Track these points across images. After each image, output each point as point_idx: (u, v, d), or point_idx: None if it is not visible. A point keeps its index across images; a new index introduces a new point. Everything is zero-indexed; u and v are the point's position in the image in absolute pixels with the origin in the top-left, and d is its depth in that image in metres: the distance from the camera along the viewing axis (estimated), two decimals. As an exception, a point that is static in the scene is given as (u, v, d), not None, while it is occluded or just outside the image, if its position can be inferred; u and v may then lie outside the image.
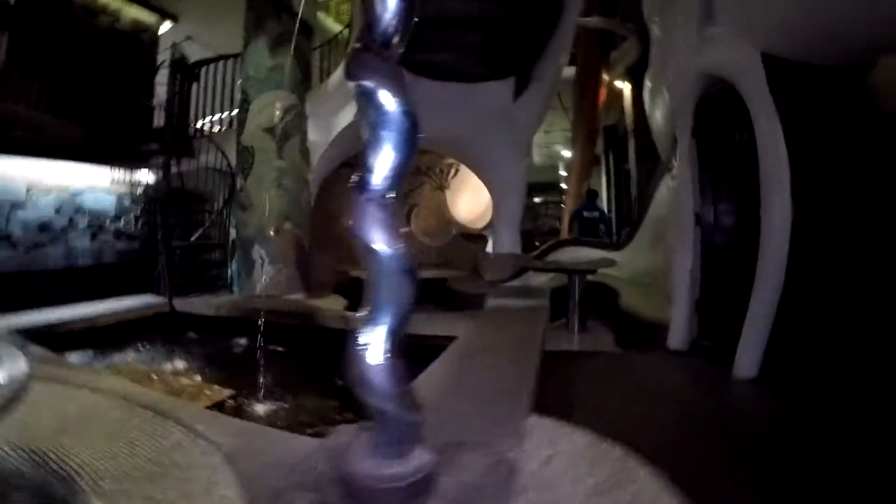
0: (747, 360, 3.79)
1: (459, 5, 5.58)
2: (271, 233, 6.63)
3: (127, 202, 7.56)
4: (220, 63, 7.79)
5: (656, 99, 6.63)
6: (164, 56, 7.72)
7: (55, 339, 4.93)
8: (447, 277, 8.30)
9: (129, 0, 7.40)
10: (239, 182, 6.73)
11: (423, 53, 6.13)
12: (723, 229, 5.06)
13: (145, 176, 7.46)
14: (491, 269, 7.76)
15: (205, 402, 4.07)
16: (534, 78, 6.48)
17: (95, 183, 7.23)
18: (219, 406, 4.05)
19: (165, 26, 8.10)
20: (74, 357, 5.16)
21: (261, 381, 4.82)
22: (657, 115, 6.66)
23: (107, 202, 7.38)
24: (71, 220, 7.07)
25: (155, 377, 4.82)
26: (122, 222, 7.50)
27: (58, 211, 6.92)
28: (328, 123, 7.00)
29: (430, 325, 4.89)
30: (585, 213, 9.96)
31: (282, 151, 6.63)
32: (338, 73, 6.55)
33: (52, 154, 6.54)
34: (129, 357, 5.55)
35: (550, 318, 5.89)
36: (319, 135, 7.03)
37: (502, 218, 7.83)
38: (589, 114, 12.22)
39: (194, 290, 6.96)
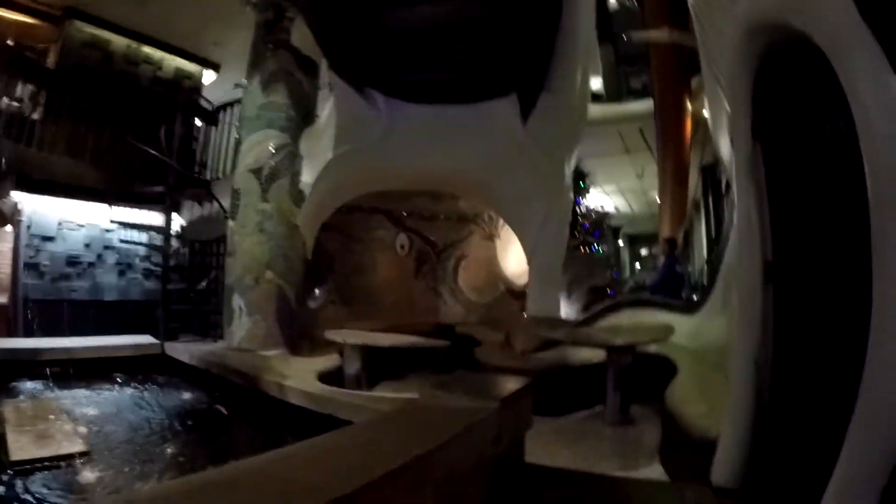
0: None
1: (430, 9, 3.99)
2: (250, 282, 5.36)
3: (159, 242, 6.97)
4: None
5: (716, 119, 4.31)
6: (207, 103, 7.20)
7: (33, 366, 4.99)
8: (480, 341, 6.35)
9: (170, 51, 7.00)
10: (229, 226, 5.64)
11: (407, 74, 4.60)
12: (814, 291, 2.67)
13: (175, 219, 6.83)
14: (521, 337, 5.65)
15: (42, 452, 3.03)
16: (546, 91, 4.56)
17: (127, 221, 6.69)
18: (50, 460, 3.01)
19: (209, 75, 7.62)
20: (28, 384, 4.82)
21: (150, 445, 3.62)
22: (721, 144, 4.32)
23: (137, 241, 6.79)
24: (99, 256, 6.61)
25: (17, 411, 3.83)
26: (150, 262, 6.89)
27: (87, 246, 6.50)
28: (321, 162, 5.69)
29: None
30: (668, 271, 7.39)
31: (267, 194, 5.44)
32: (328, 106, 5.31)
33: (79, 195, 6.14)
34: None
35: (588, 402, 4.46)
36: (313, 176, 5.73)
37: (535, 271, 5.73)
38: (674, 151, 9.53)
39: (190, 334, 5.96)
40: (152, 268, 6.81)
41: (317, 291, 6.72)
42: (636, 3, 11.25)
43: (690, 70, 9.43)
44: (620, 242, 19.03)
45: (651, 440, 3.92)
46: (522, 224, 5.60)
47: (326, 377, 4.67)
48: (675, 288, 7.57)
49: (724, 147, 4.38)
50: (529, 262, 5.73)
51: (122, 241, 6.53)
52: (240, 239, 5.46)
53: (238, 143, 5.70)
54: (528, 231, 5.45)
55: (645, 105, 9.65)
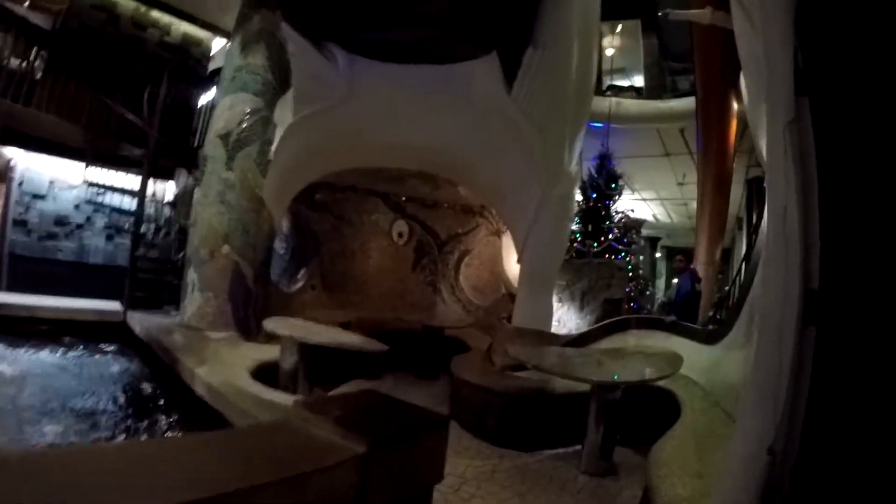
0: None
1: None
2: (205, 255, 4.59)
3: (153, 209, 6.41)
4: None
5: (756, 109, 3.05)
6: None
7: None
8: (470, 347, 5.31)
9: (180, 16, 6.37)
10: (195, 195, 4.90)
11: (378, 31, 3.61)
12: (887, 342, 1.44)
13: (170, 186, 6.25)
14: (501, 351, 4.53)
15: None
16: (533, 47, 3.39)
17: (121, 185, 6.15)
18: None
19: (220, 43, 6.94)
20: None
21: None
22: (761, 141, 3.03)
23: (129, 206, 6.25)
24: (88, 219, 6.11)
25: None
26: (142, 228, 6.33)
27: (77, 207, 6.01)
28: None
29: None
30: (684, 288, 5.97)
31: (232, 162, 4.62)
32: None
33: (71, 155, 5.63)
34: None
35: (567, 438, 3.47)
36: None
37: (525, 273, 4.60)
38: (717, 155, 7.88)
39: (157, 304, 5.32)
40: (143, 234, 6.26)
41: (301, 273, 5.92)
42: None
43: (738, 66, 7.75)
44: (658, 254, 17.19)
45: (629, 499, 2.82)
46: (512, 214, 4.49)
47: (263, 371, 3.82)
48: (692, 310, 6.14)
49: (760, 124, 3.08)
50: (520, 260, 4.58)
51: (90, 202, 5.94)
52: (201, 209, 4.71)
53: (213, 108, 4.95)
54: (519, 223, 4.32)
55: (687, 104, 8.10)
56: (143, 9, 6.30)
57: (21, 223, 5.68)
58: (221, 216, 4.58)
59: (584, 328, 6.22)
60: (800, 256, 1.59)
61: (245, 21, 4.87)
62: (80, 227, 6.03)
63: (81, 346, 4.59)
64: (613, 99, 8.34)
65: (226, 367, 3.72)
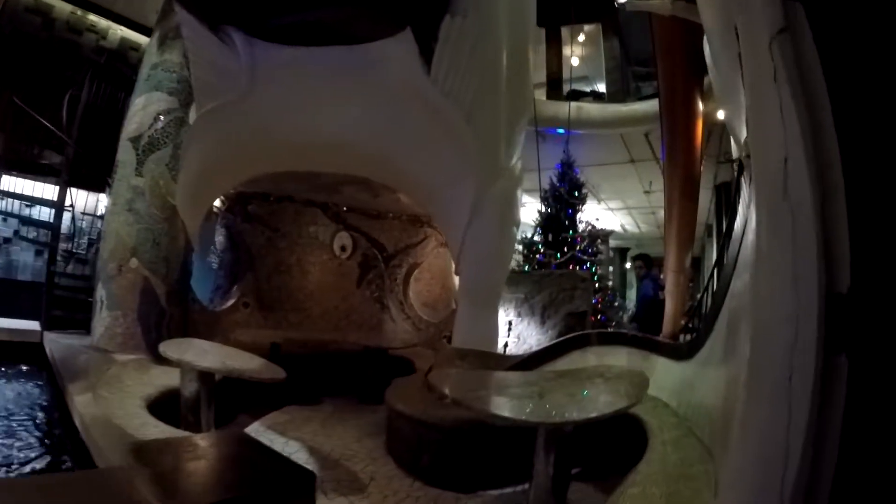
0: None
1: None
2: (112, 270, 3.78)
3: (85, 223, 5.58)
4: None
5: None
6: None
7: None
8: (416, 369, 4.54)
9: (117, 21, 5.62)
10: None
11: (290, 12, 2.89)
12: None
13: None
14: (440, 378, 3.65)
15: None
16: (452, 15, 2.70)
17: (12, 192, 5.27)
18: None
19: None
20: None
21: None
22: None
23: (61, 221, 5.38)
24: (16, 233, 5.25)
25: None
26: (74, 244, 5.49)
27: (4, 220, 5.15)
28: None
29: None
30: (646, 295, 5.25)
31: (142, 167, 3.85)
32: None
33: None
34: None
35: (514, 475, 2.74)
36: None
37: (465, 286, 3.75)
38: (684, 157, 7.24)
39: (81, 324, 4.49)
40: (75, 251, 5.42)
41: (233, 290, 5.07)
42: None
43: (703, 64, 7.18)
44: (627, 265, 16.69)
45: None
46: (446, 218, 3.75)
47: (168, 399, 3.04)
48: (654, 318, 5.43)
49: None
50: (457, 271, 3.78)
51: (17, 215, 5.08)
52: (109, 218, 3.93)
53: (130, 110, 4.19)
54: (454, 228, 3.55)
55: (651, 106, 7.51)
56: (79, 12, 5.56)
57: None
58: (129, 227, 3.79)
59: (545, 344, 5.47)
60: (815, 240, 0.88)
61: (166, 16, 4.15)
62: (7, 241, 5.19)
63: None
64: (574, 103, 7.73)
65: (119, 395, 2.95)
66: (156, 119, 3.89)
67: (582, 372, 3.43)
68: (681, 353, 3.62)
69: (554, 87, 8.68)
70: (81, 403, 2.78)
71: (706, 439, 2.57)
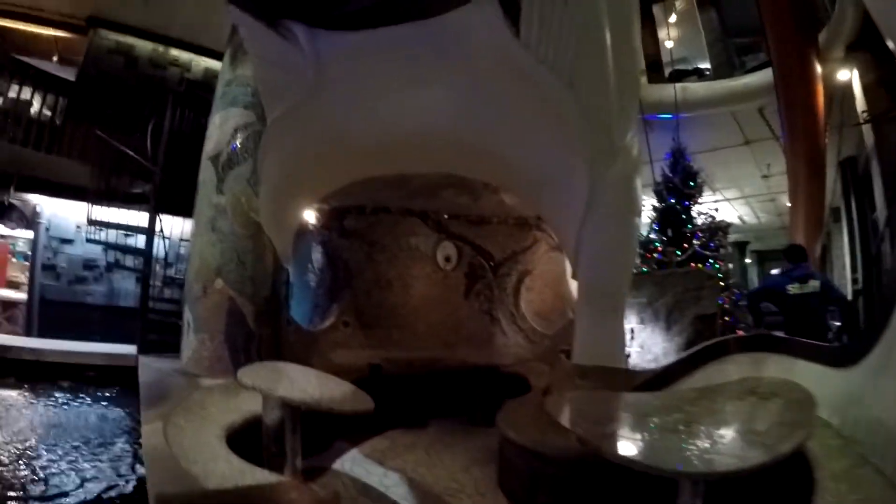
0: None
1: None
2: (198, 291, 3.78)
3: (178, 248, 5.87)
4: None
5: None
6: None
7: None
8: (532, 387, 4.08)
9: (199, 52, 5.97)
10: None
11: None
12: None
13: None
14: (559, 405, 3.06)
15: None
16: None
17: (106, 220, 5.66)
18: None
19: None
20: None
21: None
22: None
23: (152, 247, 5.73)
24: (117, 261, 5.65)
25: None
26: (170, 269, 5.79)
27: (105, 250, 5.59)
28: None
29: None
30: (790, 288, 4.23)
31: (223, 184, 3.84)
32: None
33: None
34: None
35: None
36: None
37: (584, 292, 3.17)
38: (805, 131, 6.09)
39: (174, 348, 4.63)
40: (173, 276, 5.73)
41: (332, 309, 4.97)
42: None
43: (815, 20, 5.96)
44: (748, 260, 14.76)
45: None
46: (556, 212, 3.25)
47: (249, 428, 2.86)
48: (808, 315, 4.36)
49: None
50: (574, 275, 3.26)
51: (116, 245, 5.45)
52: (193, 239, 3.96)
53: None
54: (567, 224, 3.03)
55: (763, 77, 6.47)
56: (160, 48, 6.02)
57: (50, 268, 5.42)
58: (213, 246, 3.76)
59: (671, 354, 4.66)
60: None
61: (236, 32, 4.18)
62: (109, 269, 5.65)
63: (75, 391, 3.95)
64: (679, 84, 6.94)
65: (198, 423, 2.79)
66: (233, 135, 3.89)
67: (728, 388, 2.69)
68: (841, 358, 2.73)
69: (654, 70, 7.92)
70: (149, 433, 2.66)
71: (889, 469, 1.80)
